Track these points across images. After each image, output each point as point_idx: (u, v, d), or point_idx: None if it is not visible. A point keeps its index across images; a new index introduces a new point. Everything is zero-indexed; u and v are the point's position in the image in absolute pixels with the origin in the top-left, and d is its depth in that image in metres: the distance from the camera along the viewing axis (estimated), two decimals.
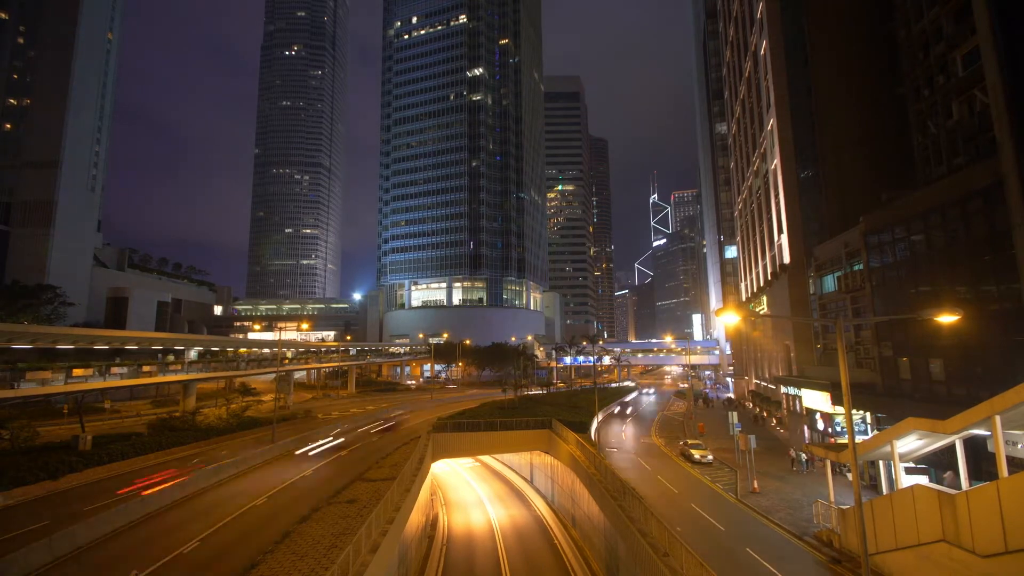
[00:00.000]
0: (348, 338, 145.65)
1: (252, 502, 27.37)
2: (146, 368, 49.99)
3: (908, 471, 25.78)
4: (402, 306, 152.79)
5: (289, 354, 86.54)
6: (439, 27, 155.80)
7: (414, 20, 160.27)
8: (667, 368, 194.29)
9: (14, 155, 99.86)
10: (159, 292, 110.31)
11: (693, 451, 43.14)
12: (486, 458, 58.92)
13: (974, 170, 27.29)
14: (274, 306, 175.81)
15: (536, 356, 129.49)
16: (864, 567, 13.98)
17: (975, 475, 22.05)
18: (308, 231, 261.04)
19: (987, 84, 26.98)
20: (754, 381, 74.46)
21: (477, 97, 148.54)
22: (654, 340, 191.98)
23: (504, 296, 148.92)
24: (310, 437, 44.36)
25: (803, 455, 38.48)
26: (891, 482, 25.68)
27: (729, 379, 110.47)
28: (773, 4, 54.51)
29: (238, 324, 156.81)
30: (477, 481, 52.32)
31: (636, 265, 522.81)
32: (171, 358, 62.23)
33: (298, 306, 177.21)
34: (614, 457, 43.85)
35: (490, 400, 73.43)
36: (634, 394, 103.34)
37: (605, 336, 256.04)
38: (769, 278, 60.58)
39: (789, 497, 32.00)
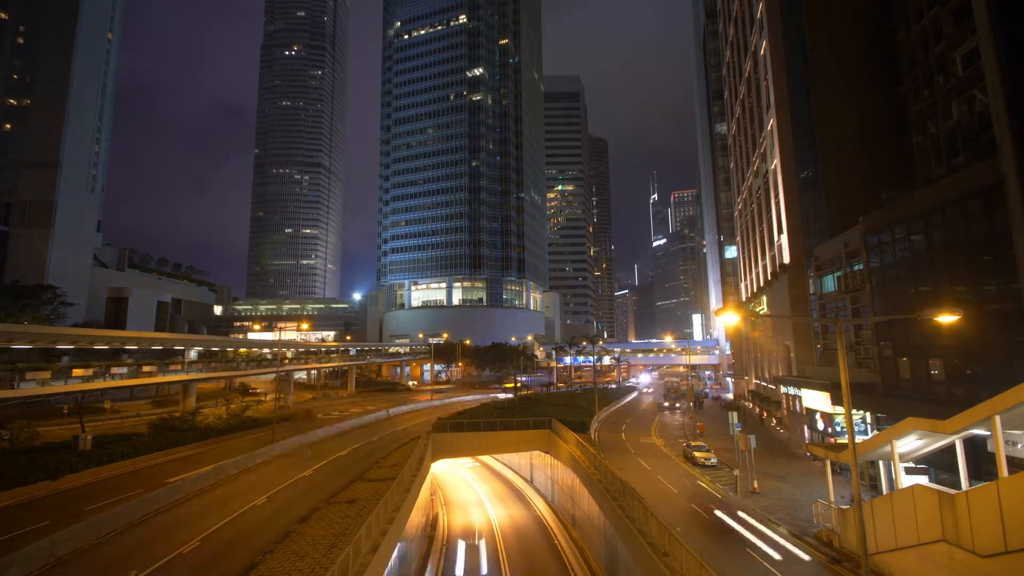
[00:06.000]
0: (348, 338, 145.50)
1: (252, 502, 27.38)
2: (146, 368, 49.99)
3: (908, 471, 25.76)
4: (402, 306, 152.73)
5: (289, 354, 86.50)
6: (439, 27, 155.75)
7: (414, 20, 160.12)
8: (666, 369, 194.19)
9: (14, 155, 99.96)
10: (159, 292, 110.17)
11: (696, 453, 41.43)
12: (486, 458, 58.88)
13: (974, 170, 27.28)
14: (274, 306, 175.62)
15: (536, 356, 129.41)
16: (864, 567, 13.97)
17: (975, 475, 22.03)
18: (308, 231, 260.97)
19: (987, 84, 26.98)
20: (754, 381, 74.41)
21: (477, 97, 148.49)
22: (654, 340, 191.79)
23: (504, 296, 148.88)
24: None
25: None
26: (891, 482, 25.65)
27: (729, 379, 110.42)
28: (773, 4, 54.50)
29: (238, 324, 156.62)
30: (477, 481, 52.31)
31: (636, 265, 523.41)
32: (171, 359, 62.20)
33: (298, 306, 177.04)
34: (613, 457, 43.76)
35: (490, 400, 73.58)
36: (634, 394, 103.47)
37: (605, 336, 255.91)
38: (769, 278, 60.57)
39: (789, 497, 32.01)
